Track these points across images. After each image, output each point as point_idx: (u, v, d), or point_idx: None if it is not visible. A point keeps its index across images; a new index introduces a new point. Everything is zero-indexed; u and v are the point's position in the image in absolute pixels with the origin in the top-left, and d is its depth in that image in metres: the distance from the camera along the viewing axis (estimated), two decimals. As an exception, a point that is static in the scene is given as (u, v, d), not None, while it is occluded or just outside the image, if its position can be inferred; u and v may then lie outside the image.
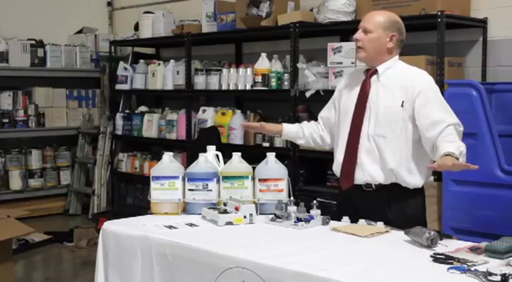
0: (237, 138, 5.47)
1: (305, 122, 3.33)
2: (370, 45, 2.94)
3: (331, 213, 2.90)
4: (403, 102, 2.88)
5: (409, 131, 2.90)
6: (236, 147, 4.95)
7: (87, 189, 7.11)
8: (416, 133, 2.90)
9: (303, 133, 3.25)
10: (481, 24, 4.52)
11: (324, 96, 4.73)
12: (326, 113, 3.23)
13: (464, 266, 2.10)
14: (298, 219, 2.78)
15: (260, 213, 2.95)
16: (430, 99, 2.88)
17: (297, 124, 3.33)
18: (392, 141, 2.89)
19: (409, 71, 3.00)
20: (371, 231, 2.60)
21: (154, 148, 6.65)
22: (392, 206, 2.92)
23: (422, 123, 2.86)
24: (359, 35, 2.97)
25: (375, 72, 2.98)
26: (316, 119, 3.31)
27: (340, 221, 2.83)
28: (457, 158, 2.66)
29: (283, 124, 3.30)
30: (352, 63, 4.53)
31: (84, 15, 7.58)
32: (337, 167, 3.07)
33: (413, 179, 2.92)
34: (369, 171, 2.93)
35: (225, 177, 3.06)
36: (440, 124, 2.82)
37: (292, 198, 2.98)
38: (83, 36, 7.44)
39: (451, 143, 2.74)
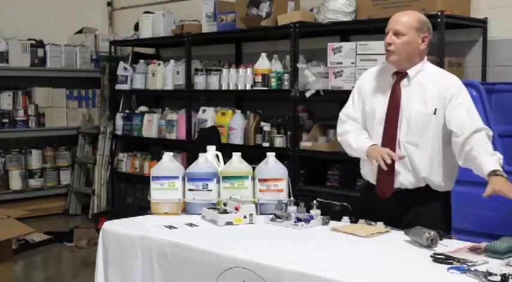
0: (237, 138, 5.47)
1: (355, 133, 3.02)
2: (403, 48, 2.83)
3: (332, 213, 2.89)
4: (435, 109, 2.81)
5: (441, 138, 2.83)
6: (236, 147, 4.94)
7: (87, 189, 7.11)
8: (447, 138, 2.82)
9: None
10: (481, 24, 4.52)
11: (324, 96, 4.73)
12: (357, 112, 3.03)
13: (464, 266, 2.10)
14: (298, 219, 2.78)
15: (260, 213, 2.95)
16: (461, 101, 2.80)
17: (365, 139, 2.97)
18: (425, 148, 2.83)
19: (440, 75, 2.91)
20: (371, 231, 2.60)
21: (154, 148, 6.65)
22: (419, 208, 2.88)
23: (453, 126, 2.78)
24: (391, 38, 2.84)
25: (405, 75, 2.89)
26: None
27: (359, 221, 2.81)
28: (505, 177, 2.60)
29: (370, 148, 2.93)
30: (352, 63, 4.53)
31: (84, 15, 7.58)
32: (368, 173, 2.97)
33: (444, 183, 2.89)
34: (399, 179, 2.87)
35: (225, 177, 3.06)
36: (469, 127, 2.73)
37: (292, 198, 2.98)
38: (83, 36, 7.44)
39: (491, 156, 2.66)
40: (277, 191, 3.02)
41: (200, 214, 2.97)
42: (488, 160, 2.64)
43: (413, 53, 2.87)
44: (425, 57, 2.95)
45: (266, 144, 5.25)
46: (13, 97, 6.83)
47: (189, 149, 5.84)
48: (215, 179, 3.05)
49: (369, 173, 2.99)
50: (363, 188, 3.08)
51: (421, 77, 2.88)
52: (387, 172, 2.83)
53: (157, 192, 3.06)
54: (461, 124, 2.76)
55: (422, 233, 2.39)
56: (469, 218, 3.81)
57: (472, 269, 2.07)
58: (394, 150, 2.83)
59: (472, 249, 2.31)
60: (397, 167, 2.85)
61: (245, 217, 2.83)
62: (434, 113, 2.81)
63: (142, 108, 6.71)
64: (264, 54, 5.27)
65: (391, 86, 2.91)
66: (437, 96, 2.82)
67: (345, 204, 3.04)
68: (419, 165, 2.85)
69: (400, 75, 2.90)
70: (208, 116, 5.75)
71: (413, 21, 2.87)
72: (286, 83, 5.11)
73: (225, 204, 2.99)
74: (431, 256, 2.22)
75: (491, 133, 2.80)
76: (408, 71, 2.88)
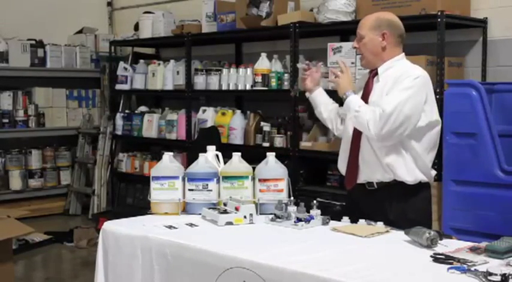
0: (237, 138, 5.47)
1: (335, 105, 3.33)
2: (365, 49, 3.00)
3: (332, 213, 2.90)
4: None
5: None
6: (236, 147, 4.94)
7: (87, 189, 7.11)
8: None
9: (327, 109, 3.28)
10: (481, 24, 4.52)
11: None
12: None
13: (464, 266, 2.09)
14: (298, 219, 2.78)
15: (260, 213, 2.95)
16: (398, 87, 2.87)
17: (331, 101, 3.34)
18: None
19: (404, 69, 2.98)
20: (371, 231, 2.60)
21: (154, 148, 6.66)
22: (394, 204, 2.95)
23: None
24: (355, 43, 3.04)
25: (377, 73, 3.02)
26: (316, 120, 3.34)
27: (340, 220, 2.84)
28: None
29: (319, 89, 3.31)
30: (352, 63, 4.53)
31: (84, 15, 7.58)
32: (342, 166, 3.14)
33: (410, 175, 2.94)
34: (369, 170, 2.98)
35: (225, 177, 3.06)
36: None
37: (292, 198, 2.98)
38: (83, 36, 7.45)
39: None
40: (277, 191, 3.01)
41: (200, 214, 2.97)
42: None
43: (375, 51, 2.99)
44: (401, 54, 3.04)
45: (266, 144, 5.25)
46: (13, 97, 6.83)
47: (189, 149, 5.84)
48: (215, 179, 3.04)
49: (341, 166, 3.14)
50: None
51: (390, 72, 2.98)
52: (353, 163, 3.01)
53: (157, 192, 3.05)
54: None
55: (422, 233, 2.39)
56: (469, 218, 3.82)
57: (472, 269, 2.06)
58: (359, 141, 2.99)
59: (472, 249, 2.30)
60: (365, 157, 2.98)
61: (245, 217, 2.83)
62: None
63: (142, 108, 6.71)
64: (264, 54, 5.27)
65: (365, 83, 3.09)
66: (392, 84, 2.91)
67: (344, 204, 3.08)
68: (381, 153, 2.93)
69: (373, 72, 3.04)
70: (208, 116, 5.75)
71: (368, 22, 3.02)
72: (286, 83, 5.12)
73: (225, 204, 2.99)
74: (431, 256, 2.21)
75: (386, 110, 2.81)
76: (378, 68, 3.01)
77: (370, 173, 2.98)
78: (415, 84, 2.87)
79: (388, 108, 2.82)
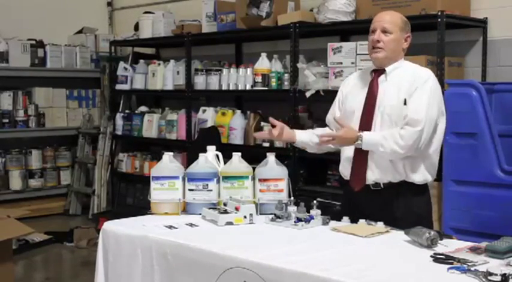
0: (237, 138, 5.47)
1: (318, 128, 3.31)
2: (390, 46, 2.95)
3: (332, 213, 2.90)
4: (405, 99, 2.89)
5: None
6: (236, 147, 4.94)
7: (87, 189, 7.11)
8: None
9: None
10: (481, 24, 4.52)
11: (324, 96, 4.73)
12: (332, 116, 3.19)
13: (464, 266, 2.10)
14: (298, 219, 2.78)
15: (260, 213, 2.95)
16: (420, 92, 2.88)
17: (309, 131, 3.30)
18: None
19: (413, 69, 3.01)
20: (371, 231, 2.60)
21: (154, 148, 6.66)
22: (400, 204, 2.93)
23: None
24: (379, 36, 2.95)
25: (383, 72, 3.00)
26: (317, 120, 3.32)
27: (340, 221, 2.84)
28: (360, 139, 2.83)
29: (296, 132, 3.19)
30: (352, 63, 4.53)
31: (84, 15, 7.58)
32: (345, 168, 3.08)
33: (419, 175, 2.94)
34: (378, 171, 2.94)
35: (225, 177, 3.06)
36: (405, 118, 2.85)
37: (292, 198, 2.98)
38: (83, 36, 7.45)
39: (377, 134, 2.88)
40: (277, 191, 3.01)
41: (200, 214, 2.97)
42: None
43: (397, 50, 3.00)
44: (403, 56, 3.06)
45: (266, 144, 5.25)
46: (13, 97, 6.83)
47: (189, 149, 5.84)
48: (215, 179, 3.04)
49: (343, 169, 3.10)
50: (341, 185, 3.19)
51: (398, 72, 2.99)
52: (360, 164, 2.96)
53: (158, 192, 3.06)
54: (405, 115, 2.86)
55: (422, 233, 2.39)
56: (469, 218, 3.82)
57: (472, 269, 2.07)
58: None
59: (472, 249, 2.31)
60: (373, 158, 2.93)
61: (245, 217, 2.83)
62: (405, 103, 2.89)
63: (143, 108, 6.71)
64: (264, 54, 5.27)
65: (369, 83, 3.03)
66: (408, 86, 2.91)
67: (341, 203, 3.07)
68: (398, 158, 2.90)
69: (379, 72, 3.01)
70: (208, 116, 5.76)
71: (398, 21, 3.00)
72: (286, 83, 5.12)
73: (225, 204, 2.99)
74: (431, 256, 2.22)
75: (418, 128, 2.83)
76: (386, 68, 2.99)
77: (381, 174, 2.95)
78: (434, 88, 2.92)
79: (418, 117, 2.83)
